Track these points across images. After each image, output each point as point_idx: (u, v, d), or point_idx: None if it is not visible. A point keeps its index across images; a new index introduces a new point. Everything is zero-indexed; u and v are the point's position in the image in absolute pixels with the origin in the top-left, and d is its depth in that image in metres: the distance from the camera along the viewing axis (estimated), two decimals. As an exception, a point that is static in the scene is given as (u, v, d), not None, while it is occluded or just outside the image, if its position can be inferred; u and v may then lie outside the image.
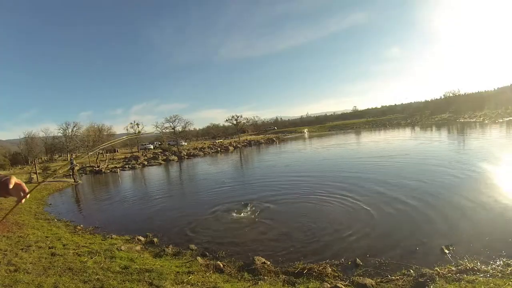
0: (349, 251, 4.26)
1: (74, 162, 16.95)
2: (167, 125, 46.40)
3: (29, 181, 15.64)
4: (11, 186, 1.27)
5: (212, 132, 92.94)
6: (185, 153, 33.39)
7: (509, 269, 3.09)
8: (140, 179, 17.83)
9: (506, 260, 3.42)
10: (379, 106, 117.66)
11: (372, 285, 3.12)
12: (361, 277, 3.38)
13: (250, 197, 8.33)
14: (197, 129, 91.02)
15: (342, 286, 3.09)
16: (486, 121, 35.32)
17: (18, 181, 1.30)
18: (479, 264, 3.31)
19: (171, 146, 47.42)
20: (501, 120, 33.27)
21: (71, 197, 12.56)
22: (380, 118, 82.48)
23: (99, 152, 35.45)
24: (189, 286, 3.17)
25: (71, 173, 16.72)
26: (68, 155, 36.75)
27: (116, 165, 25.73)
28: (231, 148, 36.99)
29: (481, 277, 2.96)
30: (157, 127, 46.94)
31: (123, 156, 36.79)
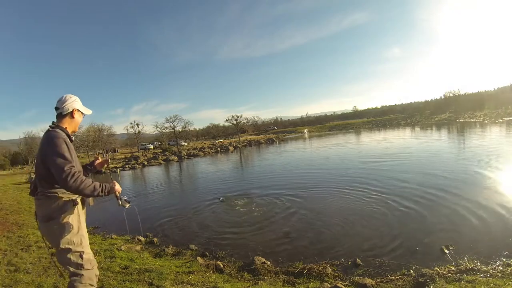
0: (349, 251, 4.26)
1: None
2: (167, 125, 46.34)
3: (29, 181, 15.63)
4: (98, 161, 2.34)
5: (212, 132, 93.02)
6: (185, 153, 33.39)
7: (509, 269, 3.09)
8: (140, 179, 17.82)
9: (506, 260, 3.42)
10: (379, 106, 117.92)
11: (372, 285, 3.12)
12: (361, 277, 3.38)
13: (250, 197, 8.33)
14: (197, 129, 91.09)
15: (342, 286, 3.09)
16: (486, 121, 35.32)
17: (101, 159, 2.38)
18: (479, 264, 3.31)
19: (171, 146, 47.42)
20: (501, 120, 33.28)
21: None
22: (380, 118, 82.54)
23: (99, 152, 35.45)
24: (189, 286, 3.17)
25: None
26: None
27: (116, 165, 25.74)
28: (231, 148, 36.99)
29: (481, 277, 2.96)
30: (157, 127, 46.89)
31: (123, 156, 36.83)
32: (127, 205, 2.19)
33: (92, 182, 1.87)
